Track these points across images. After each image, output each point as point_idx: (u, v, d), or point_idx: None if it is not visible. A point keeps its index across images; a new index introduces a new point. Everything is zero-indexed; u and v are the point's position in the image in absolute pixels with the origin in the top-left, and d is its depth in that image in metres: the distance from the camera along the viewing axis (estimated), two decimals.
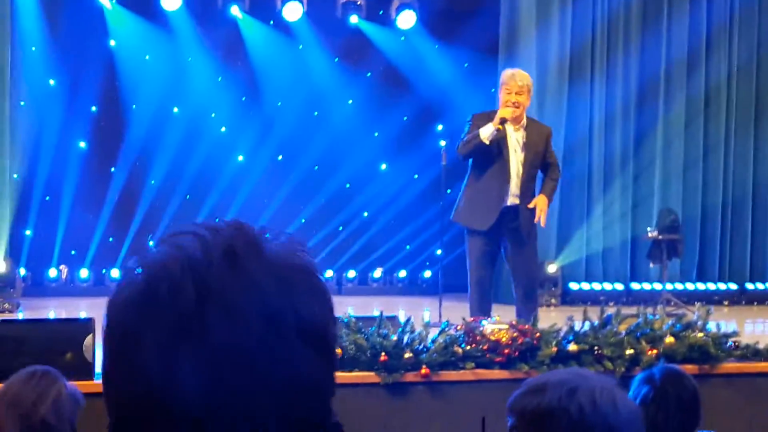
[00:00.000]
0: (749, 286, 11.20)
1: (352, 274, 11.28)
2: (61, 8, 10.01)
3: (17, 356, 4.86)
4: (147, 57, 10.60)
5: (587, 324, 6.19)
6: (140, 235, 10.47)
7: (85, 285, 10.20)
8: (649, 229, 10.01)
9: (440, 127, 11.36)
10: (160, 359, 0.86)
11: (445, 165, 7.70)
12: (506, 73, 6.86)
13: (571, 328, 6.10)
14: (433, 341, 5.77)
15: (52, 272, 10.15)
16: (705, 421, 3.48)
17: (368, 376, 5.56)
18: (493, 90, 7.12)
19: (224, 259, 0.88)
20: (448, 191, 7.91)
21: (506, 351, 5.82)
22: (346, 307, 8.39)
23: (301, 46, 11.18)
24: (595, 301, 9.66)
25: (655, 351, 6.03)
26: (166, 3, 10.27)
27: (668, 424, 3.39)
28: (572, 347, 5.92)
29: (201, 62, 10.75)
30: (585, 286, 10.68)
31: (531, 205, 6.77)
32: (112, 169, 10.49)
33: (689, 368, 5.00)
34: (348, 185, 11.35)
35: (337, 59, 11.27)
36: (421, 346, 5.70)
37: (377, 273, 11.42)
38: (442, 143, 7.95)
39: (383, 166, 11.61)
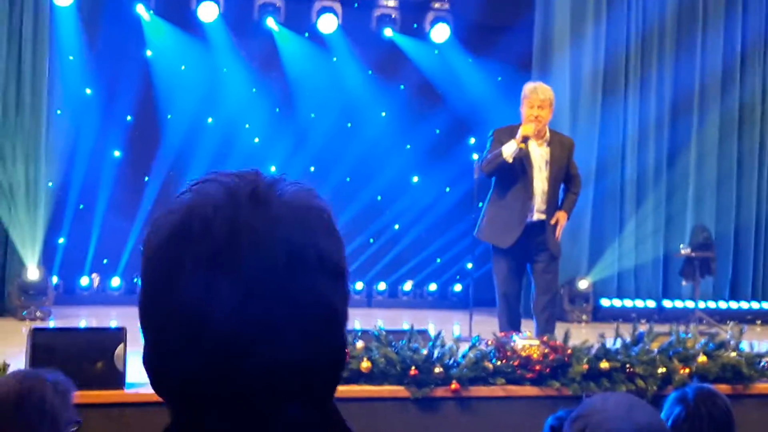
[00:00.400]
0: None
1: (382, 286, 11.28)
2: (99, 18, 10.11)
3: (48, 365, 4.88)
4: (183, 67, 10.68)
5: (619, 341, 6.17)
6: None
7: (116, 294, 10.26)
8: (681, 246, 9.93)
9: (472, 141, 11.35)
10: (198, 286, 0.97)
11: (477, 178, 7.70)
12: (528, 87, 6.86)
13: (603, 345, 6.07)
14: (464, 356, 5.77)
15: (84, 280, 10.22)
16: None
17: (398, 390, 5.56)
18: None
19: (249, 200, 1.00)
20: (480, 204, 7.90)
21: (537, 367, 5.81)
22: (376, 320, 8.39)
23: (335, 58, 11.22)
24: (627, 318, 9.57)
25: (687, 370, 6.00)
26: (203, 14, 10.36)
27: None
28: (604, 365, 5.89)
29: (236, 73, 10.82)
30: (617, 302, 10.59)
31: (553, 222, 6.76)
32: (146, 178, 10.56)
33: (722, 388, 4.96)
34: (379, 197, 11.36)
35: (370, 72, 11.30)
36: (451, 361, 5.69)
37: (407, 286, 11.40)
38: (475, 156, 7.93)
39: (415, 179, 11.61)
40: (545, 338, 6.13)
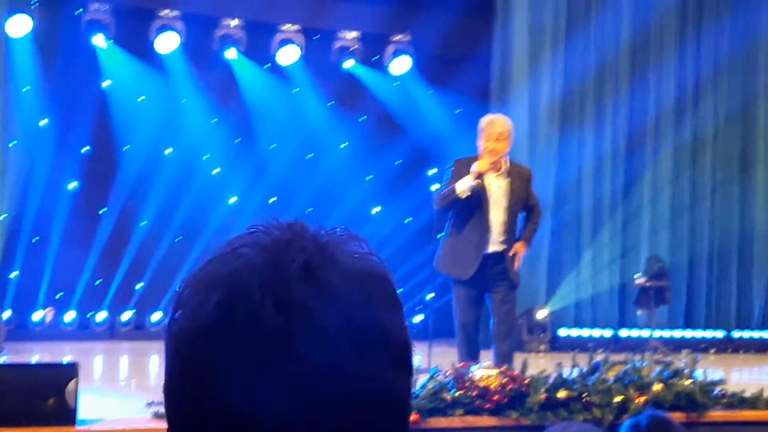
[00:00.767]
0: (735, 333, 11.23)
1: None
2: (55, 48, 10.04)
3: None
4: (141, 98, 10.62)
5: (576, 371, 6.18)
6: (128, 278, 10.41)
7: (70, 328, 10.11)
8: (636, 275, 10.03)
9: (432, 172, 11.37)
10: (242, 382, 0.82)
11: (436, 209, 7.70)
12: (485, 120, 6.86)
13: (560, 374, 6.08)
14: (423, 387, 5.74)
15: (38, 315, 10.05)
16: None
17: None
18: None
19: (301, 273, 0.84)
20: (439, 236, 7.91)
21: (495, 398, 5.80)
22: None
23: (295, 90, 11.23)
24: (584, 347, 9.60)
25: (643, 398, 6.02)
26: (162, 45, 10.33)
27: None
28: (561, 394, 5.90)
29: (195, 104, 10.79)
30: (574, 332, 10.68)
31: (511, 253, 6.78)
32: (102, 210, 10.45)
33: (677, 416, 4.97)
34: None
35: (331, 103, 11.32)
36: None
37: None
38: (434, 187, 7.95)
39: (376, 210, 11.61)
40: (503, 368, 6.13)
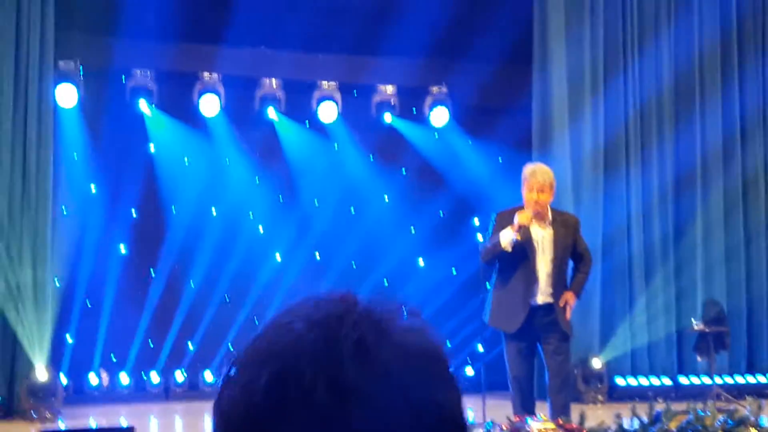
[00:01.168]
0: None
1: None
2: (102, 116, 10.24)
3: None
4: (186, 160, 10.77)
5: (636, 421, 6.09)
6: (180, 338, 10.49)
7: (125, 391, 10.17)
8: (694, 321, 9.81)
9: (477, 221, 11.38)
10: None
11: (482, 263, 7.67)
12: (527, 170, 6.82)
13: (620, 426, 5.99)
14: None
15: (93, 379, 10.12)
16: None
17: None
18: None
19: (354, 351, 0.82)
20: (488, 285, 7.88)
21: None
22: None
23: (336, 146, 11.32)
24: (643, 396, 9.39)
25: None
26: (205, 108, 10.48)
27: None
28: None
29: (238, 164, 10.92)
30: (632, 381, 10.40)
31: (561, 303, 6.71)
32: (152, 272, 10.56)
33: None
34: (386, 282, 11.33)
35: (372, 157, 11.38)
36: None
37: None
38: (480, 238, 7.94)
39: (421, 262, 11.60)
40: (560, 421, 6.05)
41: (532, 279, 6.69)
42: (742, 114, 11.20)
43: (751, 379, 10.71)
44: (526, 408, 6.67)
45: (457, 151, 11.57)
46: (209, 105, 10.49)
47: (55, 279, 9.41)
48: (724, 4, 11.21)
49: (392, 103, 11.30)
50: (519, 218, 6.53)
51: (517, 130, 10.86)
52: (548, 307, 6.72)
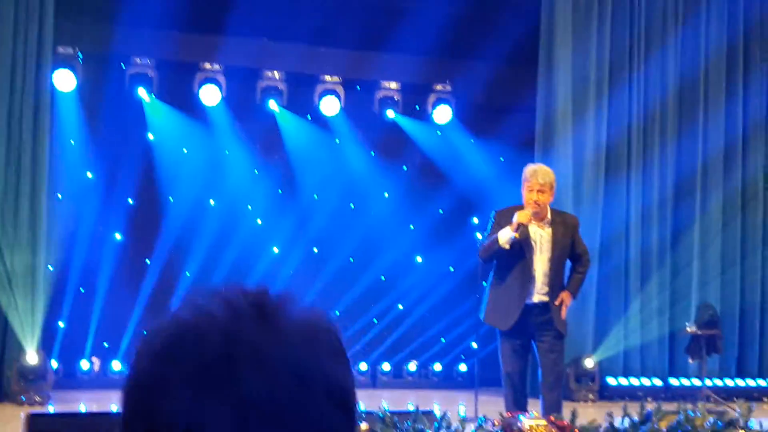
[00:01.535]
0: None
1: (386, 367, 11.14)
2: (100, 102, 10.20)
3: None
4: (185, 150, 10.73)
5: (627, 420, 6.05)
6: None
7: (117, 378, 10.12)
8: (687, 324, 9.87)
9: (476, 220, 11.35)
10: (187, 408, 0.84)
11: (480, 260, 7.64)
12: (528, 170, 6.81)
13: (611, 424, 5.95)
14: None
15: (85, 364, 10.10)
16: None
17: None
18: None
19: (252, 315, 0.88)
20: (484, 284, 7.86)
21: None
22: (381, 401, 8.24)
23: (337, 140, 11.28)
24: (634, 396, 9.46)
25: None
26: (205, 97, 10.45)
27: None
28: None
29: (238, 155, 10.87)
30: (623, 381, 10.49)
31: (557, 302, 6.70)
32: (148, 260, 10.53)
33: None
34: (383, 277, 11.31)
35: (373, 153, 11.35)
36: None
37: (412, 366, 11.27)
38: (479, 236, 7.90)
39: (419, 259, 11.57)
40: (552, 418, 6.02)
41: (528, 278, 6.68)
42: (744, 122, 11.21)
43: (740, 383, 10.78)
44: (518, 405, 6.66)
45: (459, 150, 11.53)
46: (210, 95, 10.45)
47: (49, 265, 9.37)
48: (731, 11, 11.19)
49: (395, 100, 11.27)
50: (518, 217, 6.52)
51: (520, 130, 10.83)
52: (544, 306, 6.71)
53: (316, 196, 11.20)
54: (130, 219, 10.50)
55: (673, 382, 10.59)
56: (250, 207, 11.00)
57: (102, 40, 9.95)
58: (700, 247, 10.94)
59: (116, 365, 10.20)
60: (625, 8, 10.86)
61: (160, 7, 9.68)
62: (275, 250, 11.10)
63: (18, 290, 8.84)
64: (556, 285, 6.77)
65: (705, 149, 11.05)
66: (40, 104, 9.11)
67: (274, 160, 11.05)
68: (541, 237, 6.75)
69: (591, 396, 10.16)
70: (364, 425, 5.57)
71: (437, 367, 11.36)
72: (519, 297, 6.68)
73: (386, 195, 11.45)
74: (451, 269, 11.33)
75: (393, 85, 11.26)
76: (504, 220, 6.67)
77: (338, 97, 10.91)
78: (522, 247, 6.65)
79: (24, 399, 8.49)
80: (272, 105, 10.91)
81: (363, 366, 10.91)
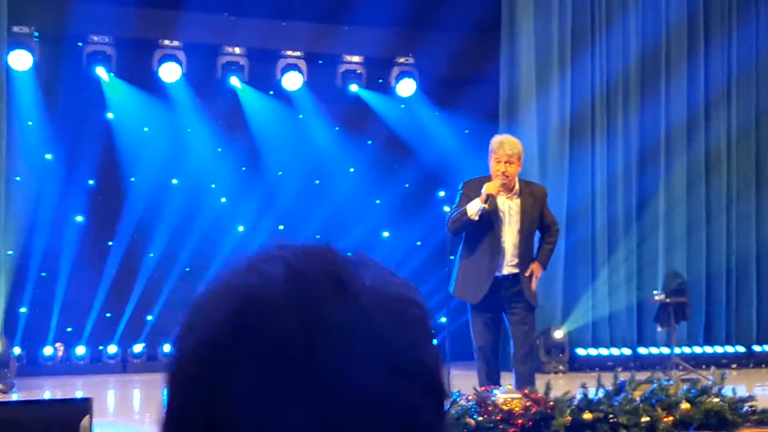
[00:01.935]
0: (757, 348, 11.05)
1: None
2: (58, 82, 9.99)
3: None
4: (145, 129, 10.55)
5: (601, 391, 6.03)
6: (139, 310, 10.31)
7: (81, 363, 9.98)
8: (655, 292, 9.90)
9: (442, 194, 11.28)
10: (257, 397, 0.72)
11: (449, 233, 7.57)
12: (495, 141, 6.73)
13: (585, 395, 5.93)
14: None
15: (48, 350, 9.92)
16: None
17: None
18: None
19: (330, 287, 0.75)
20: (453, 257, 7.79)
21: (520, 421, 5.66)
22: None
23: (301, 116, 11.15)
24: (603, 366, 9.49)
25: (671, 418, 5.87)
26: (165, 74, 10.26)
27: None
28: (587, 416, 5.75)
29: (200, 133, 10.70)
30: (592, 351, 10.53)
31: (527, 274, 6.66)
32: (110, 242, 10.35)
33: None
34: (350, 254, 11.18)
35: (337, 128, 11.23)
36: None
37: None
38: (446, 209, 7.85)
39: (386, 234, 11.49)
40: (526, 391, 5.98)
41: (498, 250, 6.62)
42: (706, 90, 11.24)
43: (708, 350, 10.87)
44: (491, 378, 6.62)
45: (424, 123, 11.44)
46: (170, 72, 10.27)
47: (9, 250, 9.18)
48: None
49: (358, 73, 11.15)
50: (487, 188, 6.46)
51: (484, 101, 10.76)
52: (514, 278, 6.66)
53: (280, 173, 11.07)
54: (91, 201, 10.32)
55: (642, 351, 10.65)
56: (213, 185, 10.85)
57: (58, 18, 9.73)
58: (665, 214, 10.99)
59: (80, 350, 10.03)
60: None
61: None
62: (240, 228, 10.97)
63: None
64: (525, 256, 6.72)
65: (668, 116, 11.08)
66: None
67: (237, 137, 10.90)
68: (510, 209, 6.69)
69: (561, 367, 10.20)
70: None
71: None
72: (488, 270, 6.63)
73: (351, 170, 11.35)
74: (419, 243, 11.27)
75: (356, 58, 11.15)
76: (472, 191, 6.60)
77: (300, 71, 10.77)
78: (491, 219, 6.59)
79: None
80: (234, 81, 10.75)
81: None
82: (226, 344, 0.73)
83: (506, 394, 5.83)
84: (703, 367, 9.53)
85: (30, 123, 9.81)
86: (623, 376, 6.25)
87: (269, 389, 0.72)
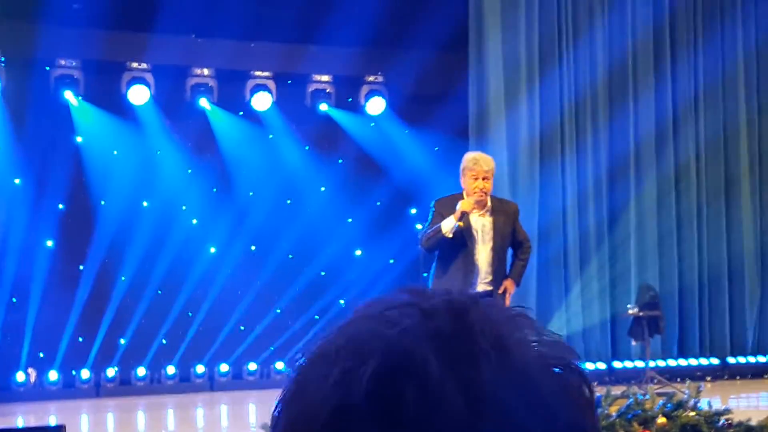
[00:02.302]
0: (731, 360, 11.10)
1: None
2: (25, 106, 9.92)
3: None
4: (115, 152, 10.48)
5: None
6: (111, 334, 10.22)
7: (54, 388, 9.87)
8: (629, 306, 9.93)
9: (414, 211, 11.29)
10: None
11: (422, 250, 7.58)
12: (469, 158, 6.71)
13: None
14: None
15: (20, 376, 9.81)
16: None
17: None
18: None
19: (491, 348, 0.63)
20: (425, 275, 7.80)
21: None
22: None
23: (271, 136, 11.13)
24: None
25: None
26: (134, 97, 10.21)
27: None
28: None
29: (170, 155, 10.66)
30: None
31: (501, 291, 6.66)
32: (81, 266, 10.26)
33: None
34: (323, 273, 11.18)
35: (308, 147, 11.22)
36: None
37: None
38: (418, 227, 7.85)
39: (358, 252, 11.48)
40: None
41: (471, 268, 6.62)
42: (674, 103, 11.32)
43: (682, 363, 10.91)
44: None
45: (394, 141, 11.46)
46: (138, 95, 10.23)
47: None
48: None
49: (328, 92, 11.16)
50: (461, 205, 6.46)
51: (454, 118, 10.79)
52: (488, 296, 6.64)
53: (251, 193, 11.03)
54: (61, 225, 10.23)
55: (617, 365, 10.67)
56: (184, 207, 10.79)
57: (25, 42, 9.66)
58: (636, 228, 11.05)
59: (53, 375, 9.92)
60: None
61: (83, 5, 9.42)
62: (212, 250, 10.92)
63: None
64: (499, 273, 6.73)
65: (637, 130, 11.15)
66: None
67: (207, 158, 10.86)
68: (483, 226, 6.69)
69: None
70: None
71: None
72: (462, 287, 6.62)
73: (323, 189, 11.33)
74: (392, 261, 11.26)
75: (325, 77, 11.16)
76: (444, 209, 6.60)
77: (270, 92, 10.77)
78: (464, 237, 6.59)
79: None
80: (203, 102, 10.72)
81: None
82: (364, 414, 0.61)
83: None
84: (678, 380, 9.57)
85: None
86: (599, 391, 6.25)
87: None
